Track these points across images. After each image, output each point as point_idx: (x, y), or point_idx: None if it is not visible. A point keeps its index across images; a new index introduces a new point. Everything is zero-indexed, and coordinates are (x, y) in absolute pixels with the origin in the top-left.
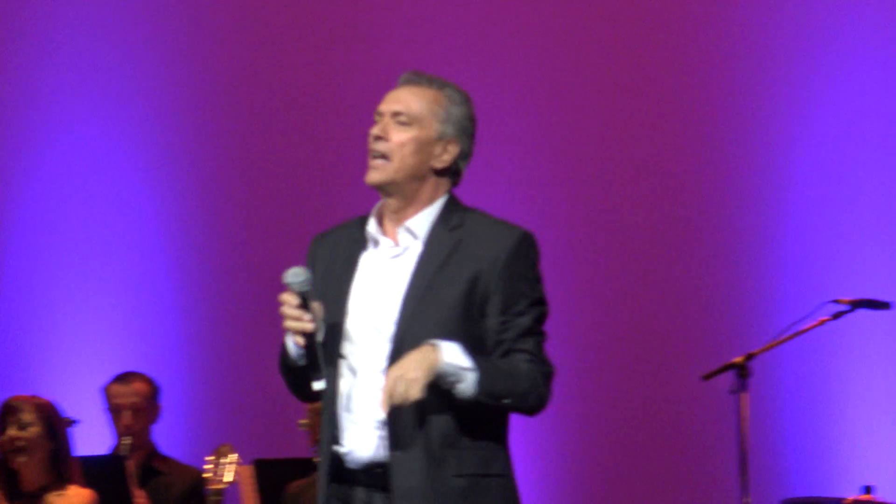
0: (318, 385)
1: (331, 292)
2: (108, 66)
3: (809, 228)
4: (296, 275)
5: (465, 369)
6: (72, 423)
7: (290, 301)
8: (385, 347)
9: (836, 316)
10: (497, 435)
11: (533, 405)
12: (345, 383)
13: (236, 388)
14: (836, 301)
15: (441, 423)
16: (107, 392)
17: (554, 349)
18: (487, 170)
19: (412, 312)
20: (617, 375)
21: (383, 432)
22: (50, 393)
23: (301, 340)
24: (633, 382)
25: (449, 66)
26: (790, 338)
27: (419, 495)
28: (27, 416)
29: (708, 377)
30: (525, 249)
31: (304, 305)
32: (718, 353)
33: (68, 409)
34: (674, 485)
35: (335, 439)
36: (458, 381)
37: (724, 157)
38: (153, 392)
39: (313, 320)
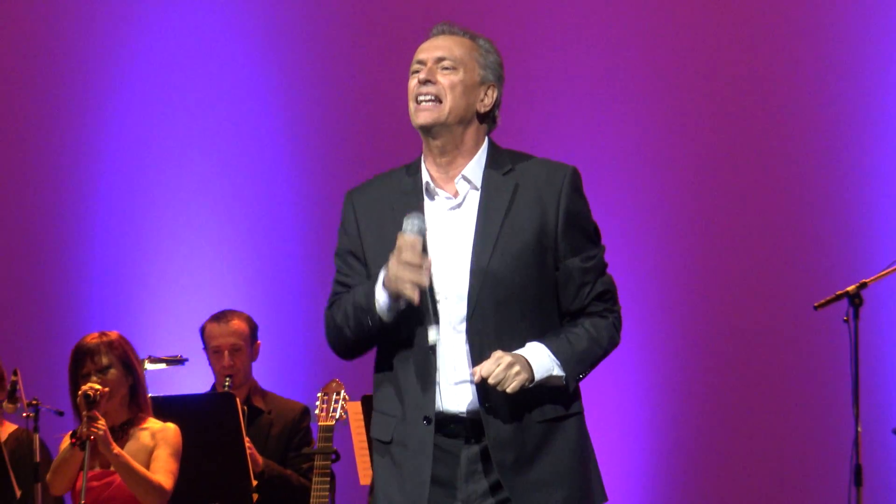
0: (434, 335)
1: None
2: None
3: None
4: (419, 218)
5: (554, 376)
6: (182, 361)
7: (414, 246)
8: (461, 305)
9: None
10: None
11: (609, 353)
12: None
13: None
14: None
15: None
16: (204, 332)
17: (667, 283)
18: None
19: (486, 268)
20: (730, 306)
21: (469, 388)
22: (158, 331)
23: (414, 294)
24: (746, 312)
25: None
26: None
27: (510, 444)
28: (104, 358)
29: (820, 306)
30: (577, 184)
31: (424, 251)
32: (832, 282)
33: (177, 347)
34: (786, 413)
35: (421, 408)
36: (548, 383)
37: (830, 90)
38: (251, 330)
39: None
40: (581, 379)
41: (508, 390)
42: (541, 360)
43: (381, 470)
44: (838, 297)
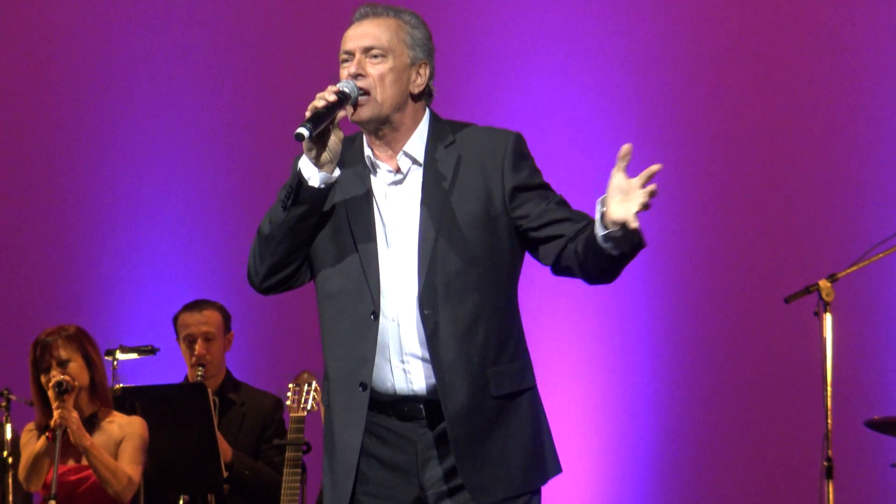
0: (303, 130)
1: (359, 226)
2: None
3: (893, 150)
4: (349, 84)
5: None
6: (154, 351)
7: (329, 90)
8: (412, 280)
9: None
10: (525, 350)
11: None
12: (370, 320)
13: (316, 314)
14: None
15: (480, 347)
16: (177, 321)
17: (639, 277)
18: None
19: (435, 241)
20: (701, 299)
21: (422, 364)
22: (130, 322)
23: (328, 96)
24: (717, 305)
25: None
26: (873, 259)
27: (466, 420)
28: (63, 352)
29: (790, 299)
30: (521, 149)
31: (339, 104)
32: (804, 275)
33: (149, 338)
34: (757, 406)
35: (357, 374)
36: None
37: (807, 84)
38: (225, 320)
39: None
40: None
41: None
42: None
43: (324, 435)
44: (808, 290)
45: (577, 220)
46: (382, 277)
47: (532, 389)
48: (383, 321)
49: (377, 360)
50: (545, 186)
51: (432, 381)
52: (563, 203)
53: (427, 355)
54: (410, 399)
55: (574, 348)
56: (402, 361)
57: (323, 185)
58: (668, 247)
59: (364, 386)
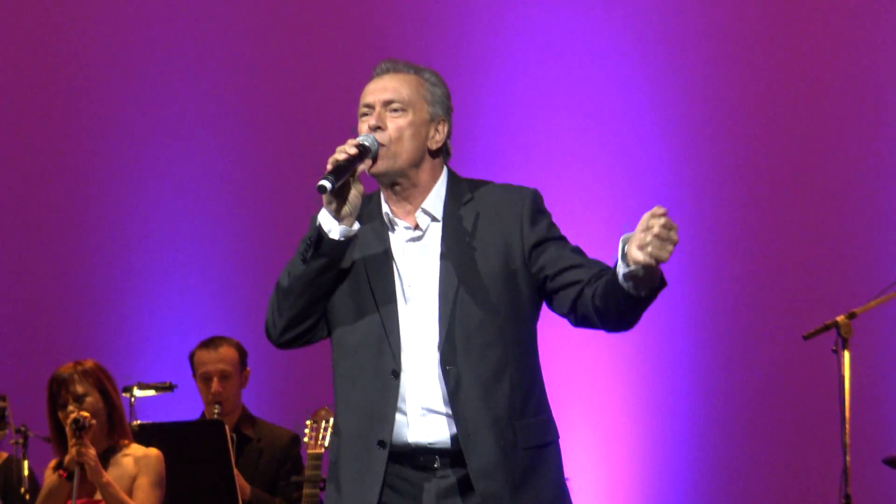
0: (325, 182)
1: (378, 283)
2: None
3: None
4: (369, 138)
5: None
6: (171, 387)
7: (350, 143)
8: (432, 333)
9: None
10: (547, 404)
11: None
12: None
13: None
14: None
15: (506, 400)
16: (193, 358)
17: (659, 313)
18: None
19: (455, 295)
20: (720, 336)
21: (441, 417)
22: (148, 358)
23: (348, 150)
24: (735, 342)
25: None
26: (892, 296)
27: (496, 472)
28: (79, 387)
29: (809, 336)
30: (538, 205)
31: (359, 157)
32: (821, 312)
33: (166, 374)
34: (775, 443)
35: (375, 432)
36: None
37: (825, 120)
38: (241, 357)
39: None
40: (658, 291)
41: (665, 257)
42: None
43: (328, 493)
44: (827, 327)
45: (592, 265)
46: (402, 334)
47: (556, 442)
48: (402, 377)
49: (401, 416)
50: (562, 238)
51: (450, 433)
52: (577, 251)
53: (446, 409)
54: (425, 451)
55: (604, 382)
56: (420, 415)
57: (343, 238)
58: (686, 285)
59: (383, 444)
